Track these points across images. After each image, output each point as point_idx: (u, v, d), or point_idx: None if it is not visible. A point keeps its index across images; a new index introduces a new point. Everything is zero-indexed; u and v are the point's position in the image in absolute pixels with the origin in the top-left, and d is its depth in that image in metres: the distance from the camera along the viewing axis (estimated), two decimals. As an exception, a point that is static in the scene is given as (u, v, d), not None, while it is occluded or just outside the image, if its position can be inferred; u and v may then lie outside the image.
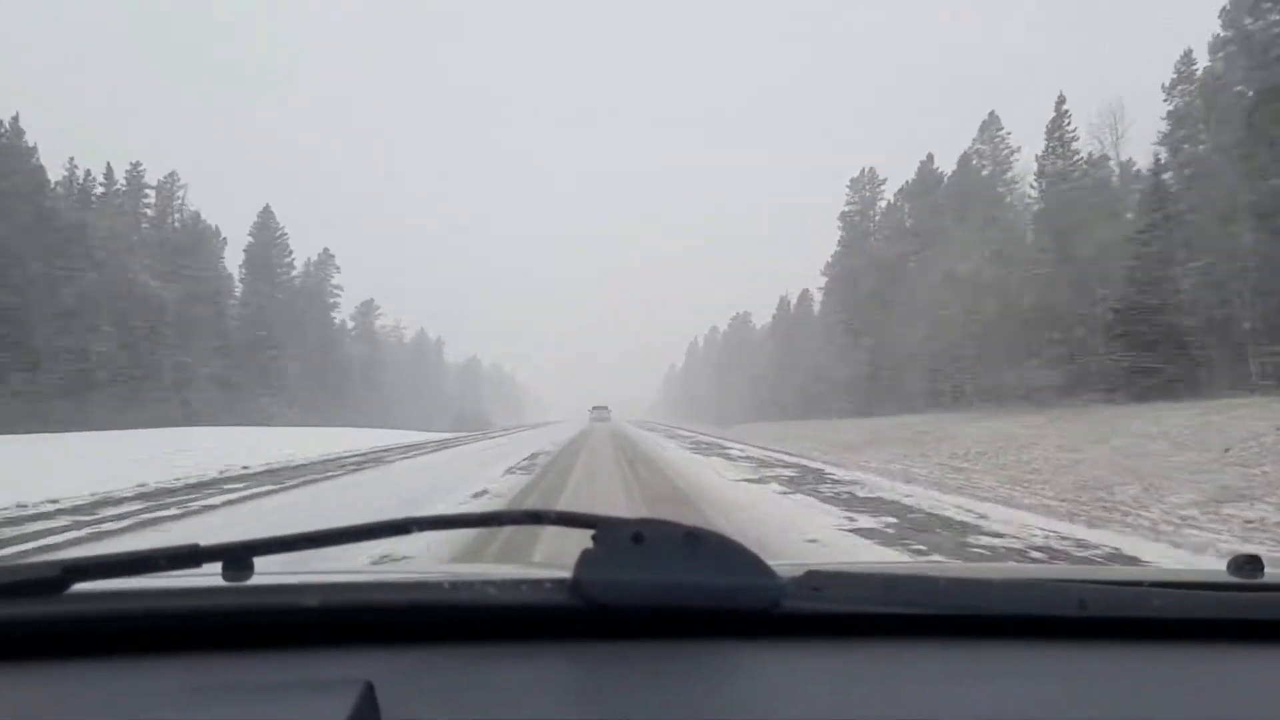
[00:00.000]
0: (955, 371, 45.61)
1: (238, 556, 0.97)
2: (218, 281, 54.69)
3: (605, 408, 69.45)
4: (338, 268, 71.14)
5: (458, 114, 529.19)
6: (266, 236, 63.08)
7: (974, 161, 49.94)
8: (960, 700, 0.85)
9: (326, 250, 71.33)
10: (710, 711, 0.82)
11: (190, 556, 0.93)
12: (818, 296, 75.30)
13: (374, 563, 4.84)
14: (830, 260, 65.34)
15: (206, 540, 0.94)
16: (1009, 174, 49.34)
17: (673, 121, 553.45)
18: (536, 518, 0.98)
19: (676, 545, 0.91)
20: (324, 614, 0.95)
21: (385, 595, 1.07)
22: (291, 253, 64.38)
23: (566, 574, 0.92)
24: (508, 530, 6.44)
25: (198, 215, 58.71)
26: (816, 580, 0.95)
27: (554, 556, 4.46)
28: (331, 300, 71.32)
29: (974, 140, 50.15)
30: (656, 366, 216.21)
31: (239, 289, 62.92)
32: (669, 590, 0.90)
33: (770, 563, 0.94)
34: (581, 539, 0.92)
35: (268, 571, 1.01)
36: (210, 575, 0.97)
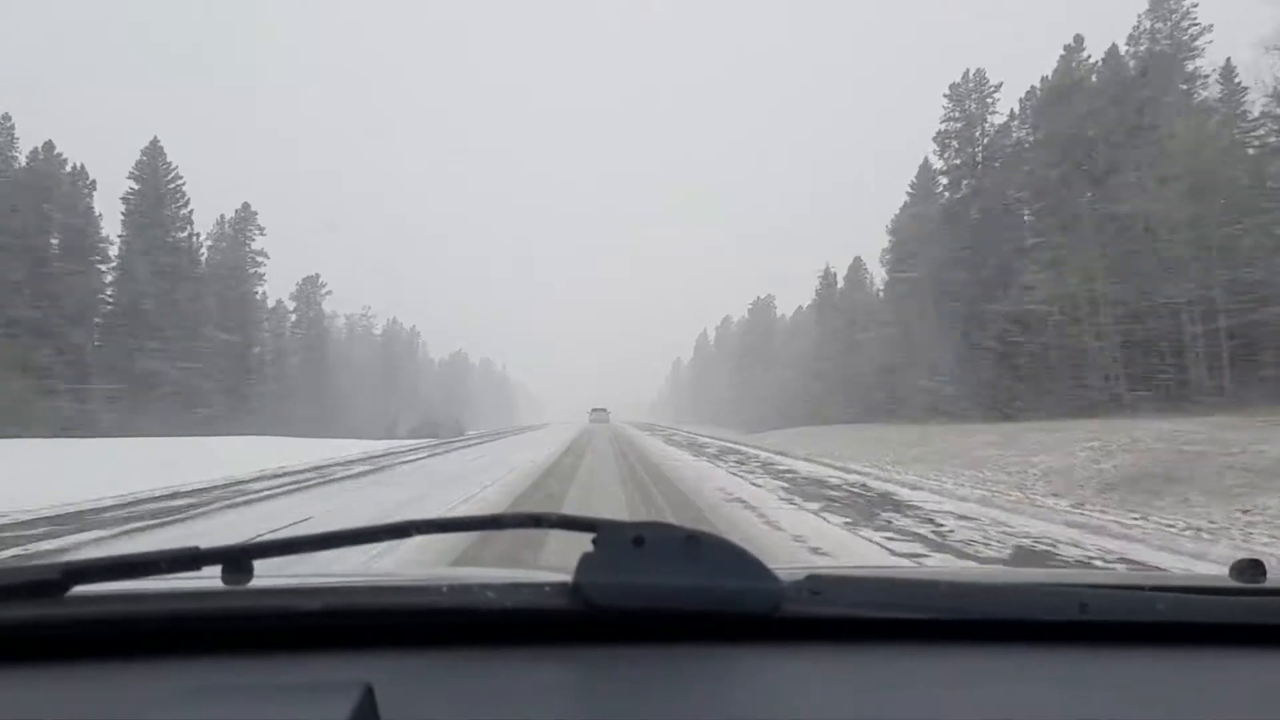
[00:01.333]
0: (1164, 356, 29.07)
1: (237, 559, 0.96)
2: (46, 233, 38.09)
3: (604, 409, 69.60)
4: (260, 228, 54.77)
5: (457, 114, 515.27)
6: (153, 183, 46.69)
7: (1143, 46, 33.40)
8: (961, 704, 0.85)
9: (247, 206, 54.88)
10: (711, 715, 0.82)
11: (190, 559, 0.93)
12: (874, 267, 58.85)
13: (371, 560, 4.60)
14: (901, 212, 48.99)
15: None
16: (1194, 65, 32.82)
17: (673, 119, 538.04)
18: (537, 521, 0.98)
19: (677, 548, 0.90)
20: (324, 617, 0.95)
21: (385, 599, 1.06)
22: (189, 204, 47.89)
23: (567, 577, 0.91)
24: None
25: (51, 146, 42.23)
26: (817, 584, 0.94)
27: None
28: (252, 270, 54.70)
29: (1139, 19, 33.67)
30: (659, 365, 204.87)
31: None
32: (669, 594, 0.89)
33: (771, 567, 0.94)
34: (582, 543, 0.91)
35: (267, 575, 1.00)
36: (210, 578, 0.97)
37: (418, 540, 1.58)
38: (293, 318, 65.65)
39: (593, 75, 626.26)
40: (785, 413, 67.79)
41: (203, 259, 51.87)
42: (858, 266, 62.19)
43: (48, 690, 0.88)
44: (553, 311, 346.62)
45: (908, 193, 51.09)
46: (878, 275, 59.05)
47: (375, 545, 1.53)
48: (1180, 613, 0.99)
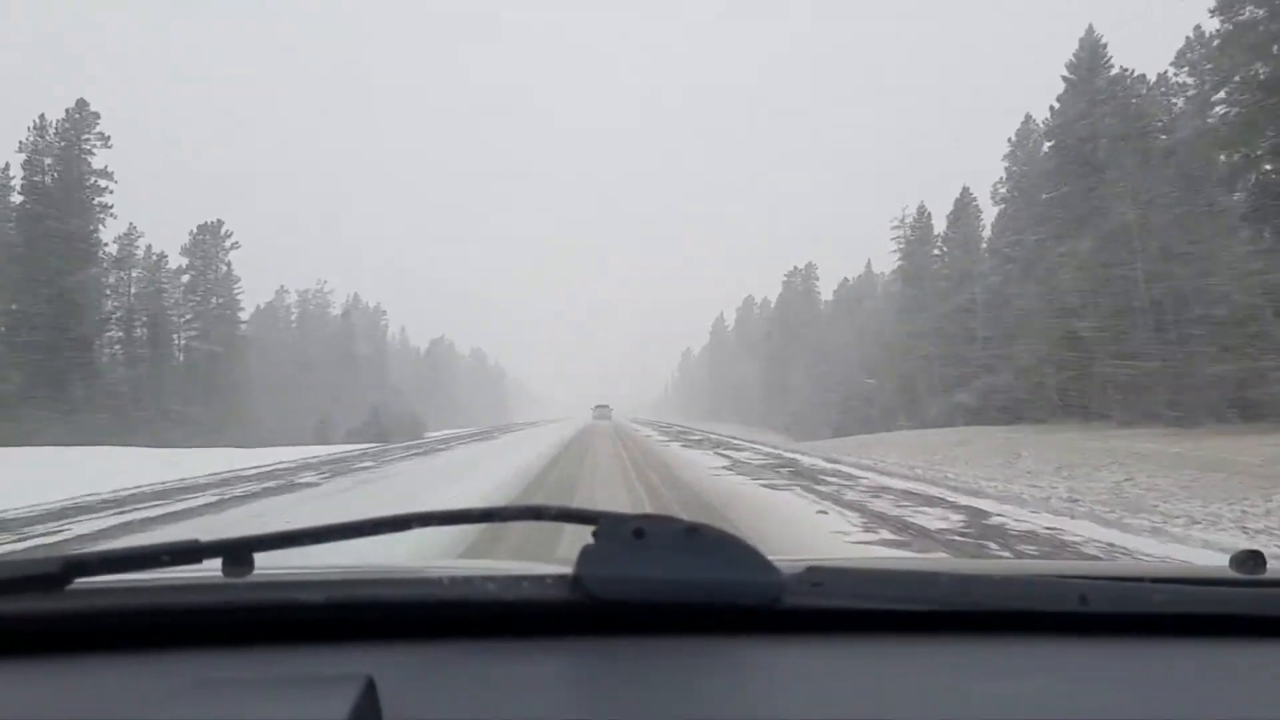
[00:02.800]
0: None
1: (238, 552, 0.98)
2: None
3: (607, 406, 74.02)
4: (104, 138, 36.58)
5: (458, 108, 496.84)
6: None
7: None
8: (961, 696, 0.86)
9: (83, 104, 36.74)
10: (711, 707, 0.83)
11: (191, 552, 0.95)
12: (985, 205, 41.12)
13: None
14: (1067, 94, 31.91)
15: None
16: None
17: (682, 106, 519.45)
18: (537, 513, 1.00)
19: (678, 541, 0.92)
20: (325, 609, 0.96)
21: (387, 591, 1.07)
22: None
23: (568, 570, 0.93)
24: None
25: None
26: (818, 576, 0.96)
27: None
28: (95, 199, 36.56)
29: None
30: (663, 362, 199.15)
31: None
32: (670, 586, 0.91)
33: (771, 558, 0.95)
34: (584, 535, 0.94)
35: (268, 567, 1.01)
36: (211, 571, 0.98)
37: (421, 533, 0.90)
38: (185, 279, 47.57)
39: (597, 65, 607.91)
40: (847, 409, 50.04)
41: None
42: (965, 203, 43.95)
43: (49, 684, 0.89)
44: (554, 308, 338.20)
45: (1064, 76, 33.34)
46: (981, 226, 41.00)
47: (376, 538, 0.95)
48: (1180, 604, 0.99)
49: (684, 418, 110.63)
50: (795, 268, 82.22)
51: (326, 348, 78.66)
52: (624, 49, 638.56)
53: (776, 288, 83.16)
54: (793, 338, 74.77)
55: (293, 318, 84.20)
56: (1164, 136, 30.53)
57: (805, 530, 8.41)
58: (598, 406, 72.86)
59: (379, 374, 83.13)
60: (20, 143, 36.89)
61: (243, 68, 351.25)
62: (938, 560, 4.91)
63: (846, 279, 78.11)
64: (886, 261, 54.43)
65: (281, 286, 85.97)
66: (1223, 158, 24.43)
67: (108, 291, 43.23)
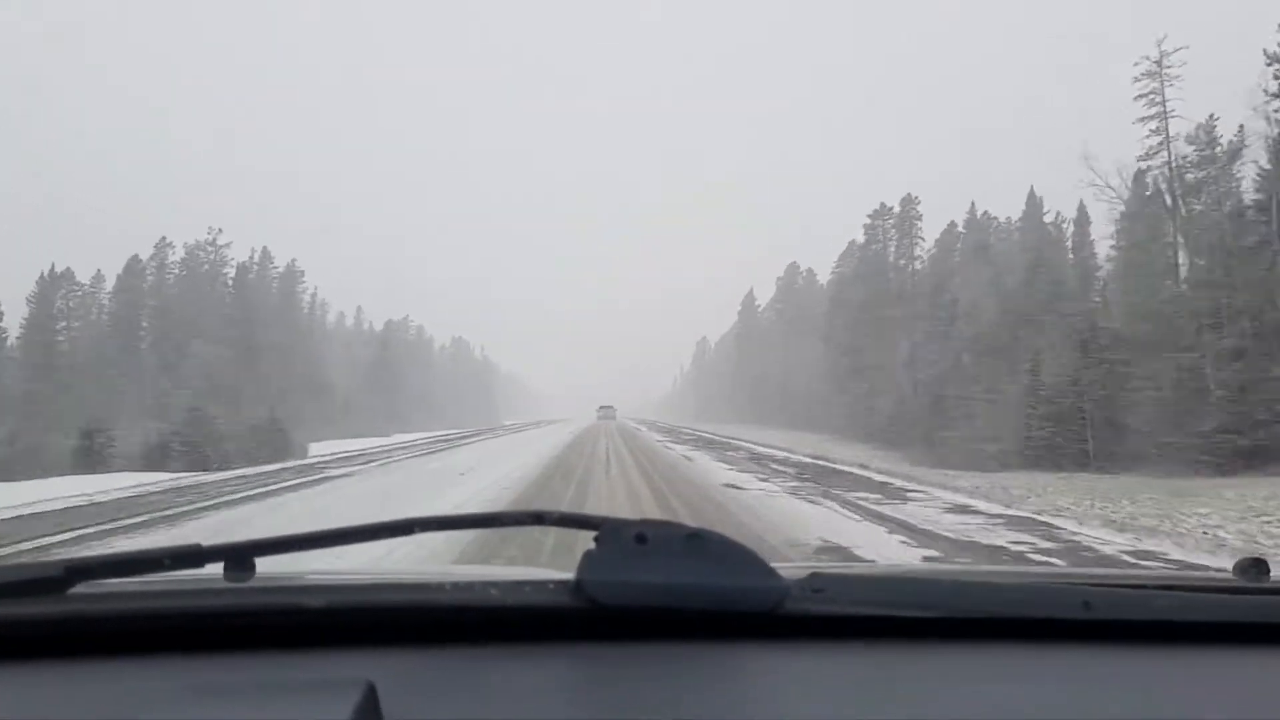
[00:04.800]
0: None
1: (240, 556, 1.04)
2: None
3: (611, 407, 79.69)
4: None
5: (459, 107, 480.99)
6: None
7: None
8: (964, 702, 0.92)
9: None
10: (713, 713, 0.90)
11: (193, 556, 1.02)
12: None
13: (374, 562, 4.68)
14: None
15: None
16: None
17: (687, 100, 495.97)
18: (539, 518, 1.05)
19: (679, 546, 0.98)
20: (326, 614, 1.04)
21: (387, 596, 1.15)
22: None
23: (569, 575, 1.00)
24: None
25: None
26: (820, 582, 1.02)
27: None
28: None
29: None
30: (667, 361, 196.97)
31: None
32: (672, 591, 0.97)
33: (773, 564, 1.03)
34: (585, 541, 1.03)
35: (269, 572, 1.09)
36: (213, 575, 1.06)
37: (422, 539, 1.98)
38: None
39: (598, 60, 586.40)
40: (1032, 418, 26.39)
41: None
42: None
43: (50, 688, 0.94)
44: (556, 305, 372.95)
45: None
46: None
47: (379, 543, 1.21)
48: (1184, 611, 1.05)
49: (689, 418, 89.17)
50: (883, 205, 58.72)
51: (212, 320, 54.99)
52: (623, 36, 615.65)
53: (810, 264, 59.05)
54: (877, 310, 50.82)
55: (170, 278, 60.40)
56: None
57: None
58: (602, 407, 77.57)
59: (290, 359, 59.46)
60: None
61: (236, 58, 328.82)
62: (940, 567, 5.16)
63: (953, 222, 54.33)
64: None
65: (164, 239, 63.00)
66: None
67: None
